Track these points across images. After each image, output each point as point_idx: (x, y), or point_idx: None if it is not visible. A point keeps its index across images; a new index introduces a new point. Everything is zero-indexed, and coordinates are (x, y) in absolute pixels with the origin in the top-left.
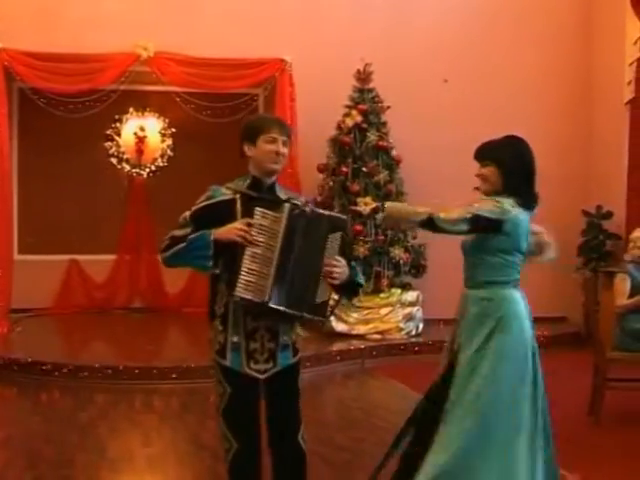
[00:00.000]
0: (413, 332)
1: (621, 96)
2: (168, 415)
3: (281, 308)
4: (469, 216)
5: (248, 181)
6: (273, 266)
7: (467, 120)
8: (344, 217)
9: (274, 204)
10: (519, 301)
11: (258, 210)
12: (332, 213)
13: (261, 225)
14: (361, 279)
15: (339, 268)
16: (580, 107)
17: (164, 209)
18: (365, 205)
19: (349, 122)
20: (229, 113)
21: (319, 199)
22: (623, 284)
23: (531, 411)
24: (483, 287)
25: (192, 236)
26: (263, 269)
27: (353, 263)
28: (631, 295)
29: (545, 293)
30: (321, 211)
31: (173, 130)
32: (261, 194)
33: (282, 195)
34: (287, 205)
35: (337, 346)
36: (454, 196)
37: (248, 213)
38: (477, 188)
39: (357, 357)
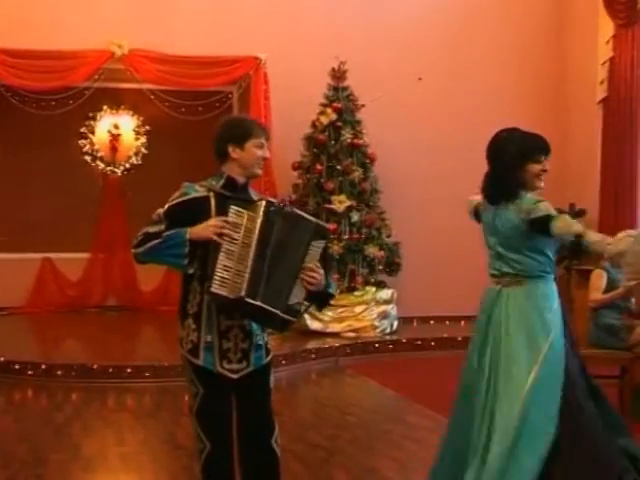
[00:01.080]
0: (388, 330)
1: (594, 95)
2: (142, 414)
3: (257, 302)
4: None
5: (222, 181)
6: (249, 263)
7: (441, 119)
8: (328, 226)
9: (249, 203)
10: None
11: (233, 208)
12: (319, 221)
13: (236, 223)
14: (333, 290)
15: (318, 275)
16: (554, 106)
17: (138, 207)
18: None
19: (324, 120)
20: (203, 111)
21: (293, 197)
22: (599, 280)
23: None
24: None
25: (167, 233)
26: (239, 266)
27: (328, 277)
28: (606, 292)
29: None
30: (307, 215)
31: (147, 128)
32: (235, 194)
33: (254, 197)
34: (263, 202)
35: (312, 344)
36: (428, 193)
37: (222, 211)
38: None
39: (332, 355)
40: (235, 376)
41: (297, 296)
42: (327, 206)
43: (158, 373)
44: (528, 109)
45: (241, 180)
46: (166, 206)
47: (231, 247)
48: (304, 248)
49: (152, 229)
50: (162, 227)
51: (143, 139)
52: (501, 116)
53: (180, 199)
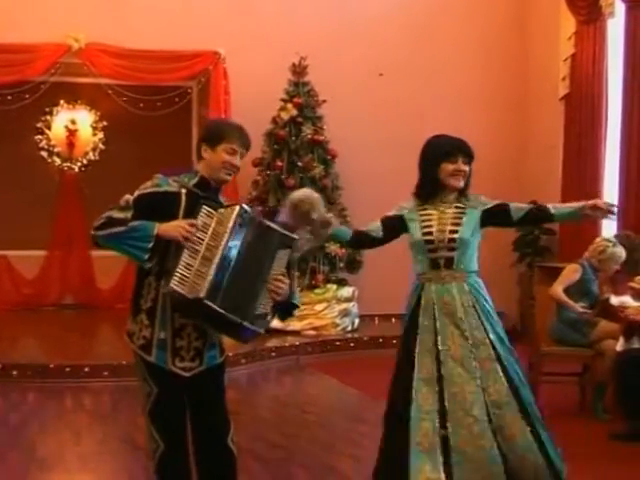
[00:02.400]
0: (349, 328)
1: (556, 92)
2: (100, 414)
3: (216, 307)
4: None
5: (196, 179)
6: (212, 266)
7: (403, 117)
8: (295, 236)
9: (221, 206)
10: None
11: (205, 208)
12: (284, 230)
13: (205, 224)
14: (297, 301)
15: (285, 285)
16: (517, 104)
17: (96, 204)
18: None
19: (284, 116)
20: (162, 106)
21: (254, 194)
22: (572, 274)
23: None
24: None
25: (134, 223)
26: (201, 267)
27: (293, 286)
28: (577, 290)
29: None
30: (274, 225)
31: (105, 123)
32: (207, 194)
33: (224, 203)
34: (236, 208)
35: (272, 342)
36: (389, 191)
37: (192, 210)
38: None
39: (292, 353)
40: (187, 374)
41: (264, 306)
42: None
43: (116, 372)
44: (491, 107)
45: (213, 183)
46: (136, 194)
47: (196, 246)
48: (271, 257)
49: (117, 214)
50: (128, 215)
51: (101, 135)
52: (463, 114)
53: (152, 189)
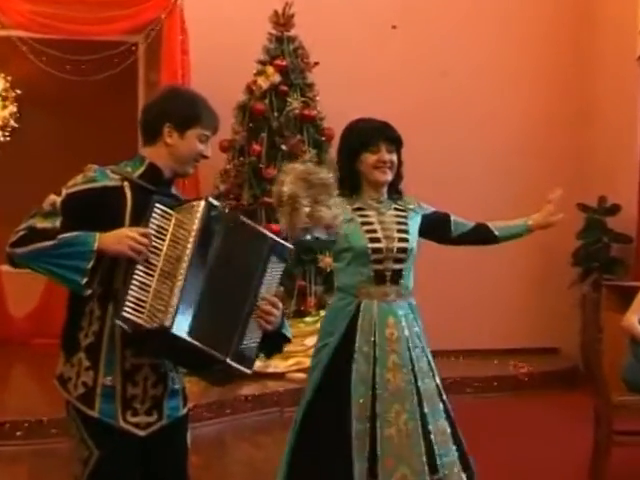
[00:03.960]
0: None
1: (633, 49)
2: None
3: (188, 339)
4: None
5: (142, 168)
6: (176, 285)
7: (421, 84)
8: (291, 246)
9: (179, 202)
10: None
11: (158, 207)
12: (277, 237)
13: (161, 228)
14: (289, 332)
15: (277, 311)
16: (578, 65)
17: (6, 205)
18: None
19: (263, 83)
20: (97, 69)
21: (222, 188)
22: None
23: None
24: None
25: (65, 236)
26: (162, 287)
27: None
28: None
29: (529, 316)
30: (262, 229)
31: (18, 92)
32: (159, 188)
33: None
34: (202, 203)
35: (247, 389)
36: (405, 183)
37: (143, 209)
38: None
39: (274, 404)
40: (142, 433)
41: (250, 338)
42: (268, 200)
43: (34, 431)
44: (540, 70)
45: (167, 173)
46: (64, 193)
47: (152, 260)
48: (259, 272)
49: (41, 224)
50: (56, 223)
51: (12, 108)
52: (501, 82)
53: (86, 186)
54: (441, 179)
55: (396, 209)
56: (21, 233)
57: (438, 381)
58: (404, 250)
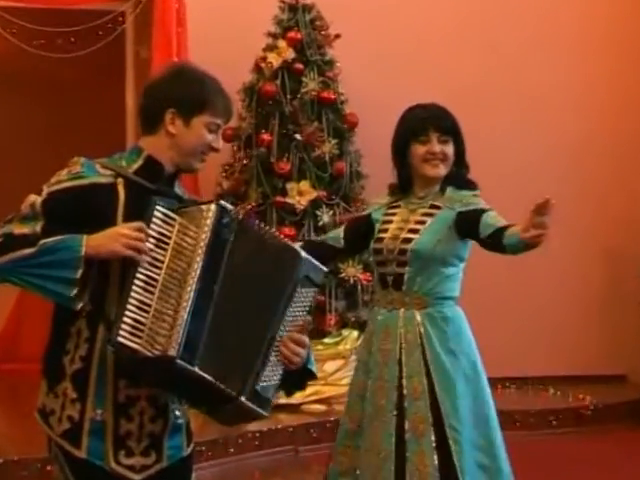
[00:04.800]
0: None
1: None
2: None
3: (199, 372)
4: None
5: (139, 162)
6: (183, 305)
7: (465, 61)
8: (326, 269)
9: (184, 203)
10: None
11: (159, 209)
12: (310, 257)
13: (162, 235)
14: (314, 367)
15: (304, 348)
16: None
17: None
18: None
19: (274, 60)
20: (77, 44)
21: (225, 185)
22: None
23: None
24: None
25: (47, 242)
26: (164, 306)
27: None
28: None
29: (592, 338)
30: (289, 242)
31: None
32: (158, 187)
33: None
34: (212, 207)
35: (255, 424)
36: None
37: (138, 211)
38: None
39: (287, 442)
40: (138, 477)
41: (271, 375)
42: (280, 199)
43: (5, 474)
44: (607, 40)
45: (169, 168)
46: (45, 192)
47: (153, 273)
48: (285, 297)
49: (19, 229)
50: (37, 228)
51: None
52: (559, 53)
53: (70, 183)
54: (488, 169)
55: (432, 206)
56: None
57: (444, 409)
58: (405, 252)
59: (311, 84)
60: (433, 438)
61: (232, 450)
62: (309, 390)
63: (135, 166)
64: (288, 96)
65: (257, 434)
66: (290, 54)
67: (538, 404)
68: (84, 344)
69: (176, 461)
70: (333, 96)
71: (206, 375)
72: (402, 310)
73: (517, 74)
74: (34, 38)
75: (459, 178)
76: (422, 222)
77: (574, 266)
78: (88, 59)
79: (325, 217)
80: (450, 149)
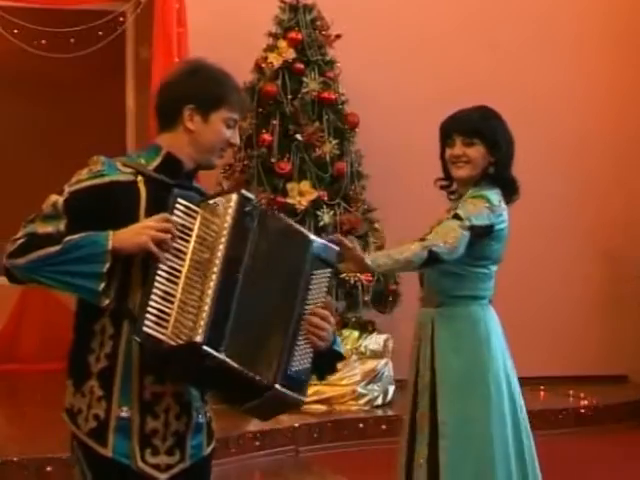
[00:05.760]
0: (378, 401)
1: None
2: None
3: (227, 359)
4: (466, 233)
5: (158, 159)
6: (207, 294)
7: (464, 59)
8: (338, 249)
9: (204, 197)
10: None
11: (180, 202)
12: (322, 239)
13: (185, 228)
14: (342, 348)
15: (330, 325)
16: None
17: None
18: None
19: (274, 60)
20: (78, 44)
21: (225, 185)
22: None
23: None
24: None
25: (73, 238)
26: (188, 297)
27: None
28: None
29: (592, 338)
30: (302, 227)
31: None
32: (178, 182)
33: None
34: (234, 197)
35: (255, 424)
36: (434, 175)
37: (160, 206)
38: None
39: (288, 442)
40: (163, 477)
41: (302, 357)
42: (280, 199)
43: (5, 474)
44: (605, 40)
45: (189, 164)
46: (67, 192)
47: (176, 264)
48: (305, 279)
49: (43, 228)
50: (61, 226)
51: None
52: (560, 52)
53: (91, 182)
54: None
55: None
56: (20, 241)
57: (441, 417)
58: None
59: (312, 84)
60: (427, 432)
61: (233, 450)
62: (310, 390)
63: (154, 163)
64: (289, 96)
65: (258, 434)
66: (291, 54)
67: (538, 404)
68: (109, 341)
69: (198, 460)
70: (334, 96)
71: (234, 363)
72: (428, 308)
73: (517, 74)
74: (34, 38)
75: (496, 178)
76: (439, 222)
77: (575, 267)
78: (88, 59)
79: (326, 217)
80: (474, 151)
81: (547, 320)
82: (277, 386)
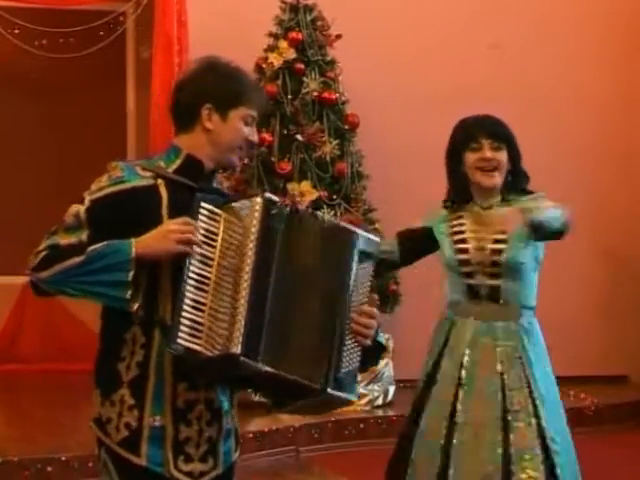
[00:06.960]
0: (379, 401)
1: None
2: None
3: (267, 369)
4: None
5: (178, 161)
6: (240, 302)
7: (466, 60)
8: (377, 238)
9: (227, 199)
10: None
11: (204, 207)
12: (360, 230)
13: (210, 232)
14: (383, 339)
15: (373, 320)
16: None
17: None
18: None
19: (275, 60)
20: (78, 44)
21: (226, 185)
22: None
23: None
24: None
25: (95, 248)
26: (219, 305)
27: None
28: None
29: (593, 338)
30: (337, 221)
31: None
32: (199, 184)
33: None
34: (259, 200)
35: (255, 424)
36: (441, 179)
37: (182, 210)
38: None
39: (288, 442)
40: None
41: (351, 358)
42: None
43: (5, 474)
44: (603, 48)
45: (209, 165)
46: (88, 200)
47: (204, 271)
48: (346, 277)
49: (65, 239)
50: (83, 237)
51: None
52: (561, 55)
53: (112, 189)
54: None
55: None
56: (43, 254)
57: (544, 425)
58: (498, 264)
59: (312, 84)
60: (538, 447)
61: None
62: None
63: (174, 166)
64: (289, 96)
65: (258, 434)
66: (291, 54)
67: None
68: (140, 350)
69: (229, 466)
70: (334, 96)
71: (274, 370)
72: (500, 322)
73: (520, 74)
74: (35, 38)
75: (517, 187)
76: (502, 231)
77: (577, 267)
78: (89, 59)
79: (326, 217)
80: (503, 156)
81: (549, 320)
82: (329, 390)
